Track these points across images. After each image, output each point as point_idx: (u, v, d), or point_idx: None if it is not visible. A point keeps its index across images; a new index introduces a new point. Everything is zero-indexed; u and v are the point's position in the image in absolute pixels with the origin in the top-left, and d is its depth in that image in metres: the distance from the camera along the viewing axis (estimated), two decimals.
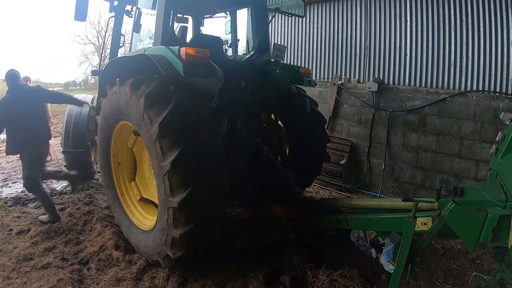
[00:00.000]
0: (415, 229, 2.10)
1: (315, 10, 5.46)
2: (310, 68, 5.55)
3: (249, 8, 3.83)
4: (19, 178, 5.16)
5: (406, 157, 4.51)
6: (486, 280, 1.89)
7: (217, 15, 4.18)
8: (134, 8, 3.41)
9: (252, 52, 3.48)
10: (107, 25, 5.79)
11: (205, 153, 2.32)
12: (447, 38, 4.13)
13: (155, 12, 2.87)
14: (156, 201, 2.60)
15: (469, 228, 1.86)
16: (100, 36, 28.95)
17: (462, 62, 4.05)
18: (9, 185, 4.83)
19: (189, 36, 3.94)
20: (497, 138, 2.63)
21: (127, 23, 3.93)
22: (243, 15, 5.44)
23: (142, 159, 3.13)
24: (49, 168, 4.11)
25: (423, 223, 2.13)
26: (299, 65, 5.44)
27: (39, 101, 3.70)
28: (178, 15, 3.99)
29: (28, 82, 5.76)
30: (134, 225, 2.97)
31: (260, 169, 3.11)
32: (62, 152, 4.78)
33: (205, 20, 4.36)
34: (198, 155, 2.29)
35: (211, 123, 2.45)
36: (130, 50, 3.47)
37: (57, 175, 4.11)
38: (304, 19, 5.36)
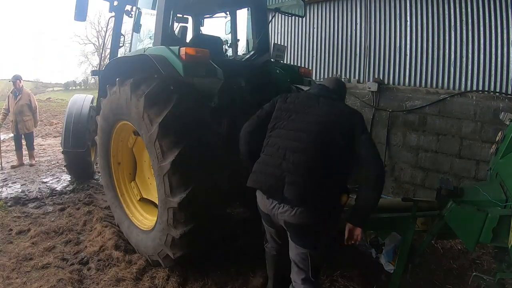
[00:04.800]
0: (415, 229, 2.10)
1: (315, 10, 5.46)
2: (310, 68, 5.54)
3: (249, 8, 3.82)
4: (19, 178, 5.16)
5: (406, 157, 4.51)
6: (486, 280, 1.89)
7: (217, 15, 4.17)
8: (134, 8, 3.41)
9: (252, 52, 3.47)
10: (107, 25, 5.79)
11: (205, 153, 2.32)
12: (447, 38, 4.13)
13: (155, 12, 2.87)
14: (156, 201, 2.59)
15: (469, 228, 1.86)
16: (100, 36, 29.00)
17: (462, 62, 4.05)
18: (9, 185, 4.82)
19: (189, 36, 3.94)
20: (497, 138, 2.63)
21: (127, 23, 3.93)
22: (243, 15, 5.43)
23: (142, 159, 3.12)
24: None
25: (423, 223, 2.13)
26: (299, 65, 5.44)
27: None
28: (178, 15, 3.98)
29: (18, 81, 5.77)
30: (134, 225, 2.97)
31: None
32: (62, 152, 4.78)
33: (205, 20, 4.36)
34: (198, 155, 2.29)
35: (211, 123, 2.45)
36: (130, 50, 3.47)
37: None
38: (304, 19, 5.35)
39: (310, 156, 1.76)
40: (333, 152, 1.79)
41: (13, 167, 5.74)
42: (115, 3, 3.77)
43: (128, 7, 3.79)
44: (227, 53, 3.84)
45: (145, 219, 3.00)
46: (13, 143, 6.16)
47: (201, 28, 4.31)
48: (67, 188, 4.70)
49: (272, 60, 3.52)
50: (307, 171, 1.74)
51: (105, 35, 20.23)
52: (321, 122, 1.83)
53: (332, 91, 2.02)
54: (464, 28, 3.99)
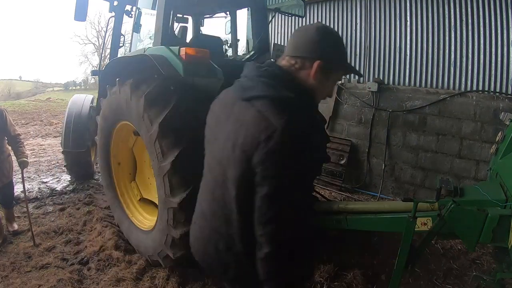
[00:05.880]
0: (415, 229, 2.09)
1: (315, 10, 5.46)
2: None
3: (249, 8, 3.82)
4: (19, 178, 5.15)
5: (406, 157, 4.51)
6: (486, 280, 1.89)
7: (217, 15, 4.17)
8: (134, 8, 3.41)
9: (252, 52, 3.48)
10: (107, 25, 5.78)
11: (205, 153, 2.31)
12: (447, 38, 4.13)
13: (155, 12, 2.87)
14: (156, 201, 2.59)
15: (469, 228, 1.86)
16: (100, 36, 29.00)
17: (462, 62, 4.05)
18: None
19: (189, 36, 3.94)
20: (497, 138, 2.63)
21: (127, 23, 3.94)
22: (243, 15, 5.43)
23: (142, 159, 3.12)
24: None
25: (423, 223, 2.12)
26: None
27: None
28: (178, 15, 3.98)
29: None
30: (134, 225, 2.97)
31: None
32: (62, 152, 4.78)
33: (205, 20, 4.36)
34: (198, 155, 2.27)
35: None
36: (130, 50, 3.47)
37: None
38: (304, 19, 5.35)
39: (213, 212, 1.20)
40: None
41: None
42: (115, 3, 3.77)
43: (128, 7, 3.79)
44: (227, 53, 3.84)
45: (145, 219, 3.00)
46: None
47: (201, 28, 4.31)
48: (67, 188, 4.70)
49: (272, 60, 3.52)
50: (216, 237, 1.18)
51: (105, 35, 20.21)
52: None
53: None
54: (464, 28, 3.99)
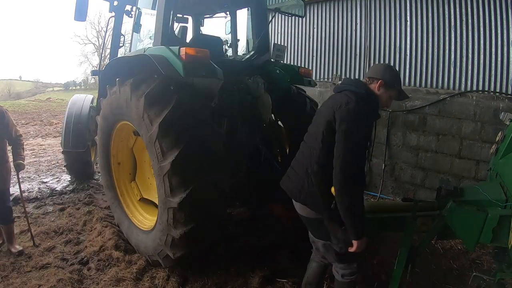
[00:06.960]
0: (415, 229, 2.10)
1: (315, 10, 5.46)
2: (310, 68, 5.54)
3: (249, 8, 3.83)
4: (20, 178, 5.16)
5: (406, 157, 4.51)
6: (486, 280, 1.89)
7: (217, 15, 4.18)
8: (134, 8, 3.41)
9: (252, 52, 3.48)
10: (107, 25, 5.77)
11: (205, 153, 2.32)
12: (447, 38, 4.13)
13: (155, 12, 2.87)
14: (156, 201, 2.59)
15: (469, 228, 1.86)
16: (100, 36, 29.05)
17: (462, 62, 4.05)
18: None
19: (189, 36, 3.94)
20: (497, 138, 2.64)
21: (127, 23, 3.94)
22: (243, 15, 5.44)
23: (142, 159, 3.12)
24: None
25: (423, 223, 2.13)
26: (299, 65, 5.44)
27: None
28: (178, 15, 3.99)
29: None
30: (134, 225, 2.97)
31: (259, 169, 3.11)
32: (62, 152, 4.78)
33: (205, 20, 4.36)
34: (198, 155, 2.29)
35: (211, 123, 2.46)
36: (130, 50, 3.47)
37: None
38: (304, 19, 5.35)
39: (302, 153, 1.98)
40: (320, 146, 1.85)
41: None
42: (115, 3, 3.77)
43: (128, 7, 3.79)
44: (227, 53, 3.84)
45: (145, 219, 3.00)
46: None
47: (201, 28, 4.31)
48: (67, 188, 4.70)
49: (272, 60, 3.52)
50: (300, 167, 1.93)
51: (105, 35, 20.26)
52: (315, 119, 1.99)
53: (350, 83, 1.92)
54: (464, 28, 3.99)
